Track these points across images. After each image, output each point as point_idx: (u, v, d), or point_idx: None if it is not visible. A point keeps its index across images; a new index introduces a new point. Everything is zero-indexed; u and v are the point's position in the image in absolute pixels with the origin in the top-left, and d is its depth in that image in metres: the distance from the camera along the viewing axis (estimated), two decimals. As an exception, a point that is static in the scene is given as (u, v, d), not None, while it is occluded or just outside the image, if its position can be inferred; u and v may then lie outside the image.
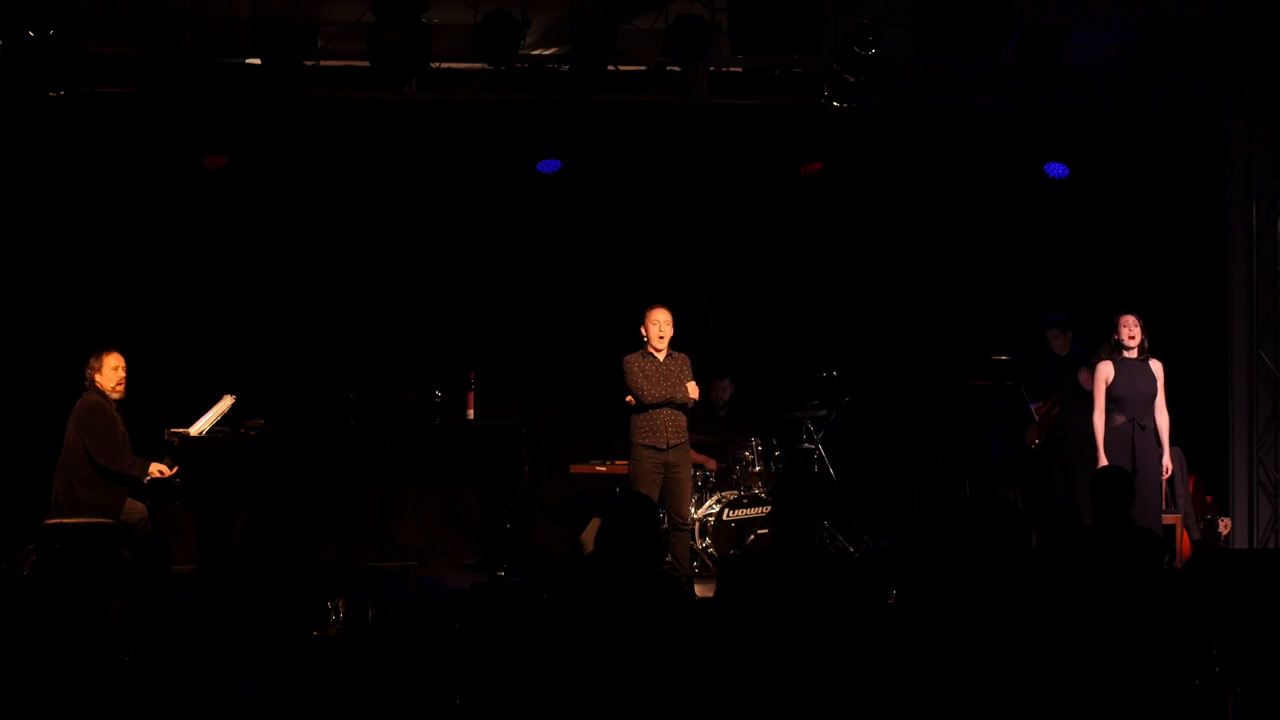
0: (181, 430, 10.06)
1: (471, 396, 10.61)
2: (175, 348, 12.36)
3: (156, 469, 9.97)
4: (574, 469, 12.45)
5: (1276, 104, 10.77)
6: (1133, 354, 10.49)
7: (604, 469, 12.07)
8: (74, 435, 9.99)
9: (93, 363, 10.12)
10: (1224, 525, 12.20)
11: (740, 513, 11.57)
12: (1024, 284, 13.32)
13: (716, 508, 11.60)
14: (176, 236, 12.42)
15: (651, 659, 4.66)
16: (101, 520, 9.78)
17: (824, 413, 12.20)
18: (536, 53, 11.23)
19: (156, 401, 11.60)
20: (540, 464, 12.74)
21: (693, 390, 10.71)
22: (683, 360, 10.77)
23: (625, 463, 11.09)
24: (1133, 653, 6.00)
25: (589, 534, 11.53)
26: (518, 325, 13.12)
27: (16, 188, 11.67)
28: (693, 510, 11.24)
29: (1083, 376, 11.21)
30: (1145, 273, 13.06)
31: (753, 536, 11.32)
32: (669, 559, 10.48)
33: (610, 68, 10.66)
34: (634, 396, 10.65)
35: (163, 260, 12.43)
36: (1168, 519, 11.01)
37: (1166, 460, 10.52)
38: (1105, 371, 10.50)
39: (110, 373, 10.10)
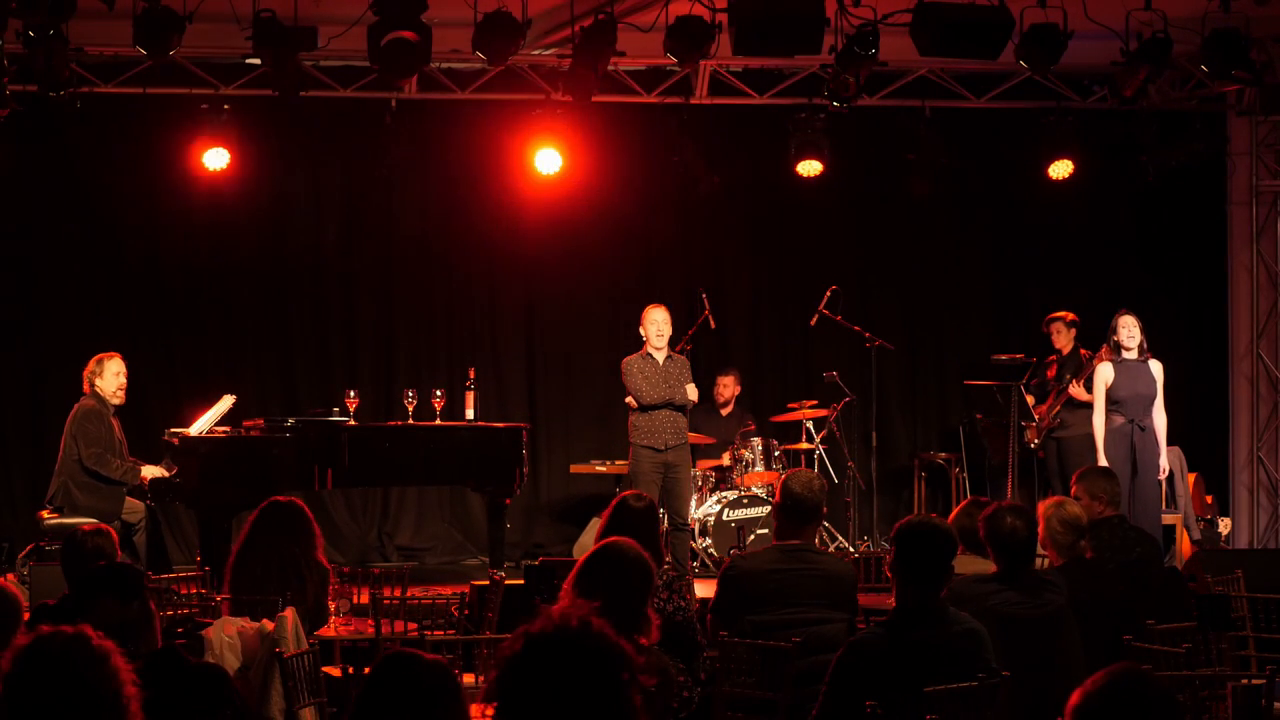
0: (181, 430, 10.05)
1: (471, 396, 10.61)
2: (176, 348, 12.36)
3: (151, 473, 9.92)
4: (574, 469, 12.47)
5: (1277, 104, 10.77)
6: (1132, 354, 10.47)
7: (604, 469, 12.08)
8: (69, 439, 9.95)
9: (93, 366, 10.04)
10: (1224, 525, 12.19)
11: (740, 513, 11.56)
12: (1024, 284, 13.31)
13: (716, 508, 11.59)
14: (176, 236, 12.42)
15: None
16: (101, 522, 9.77)
17: (824, 413, 12.20)
18: (536, 52, 11.23)
19: (157, 401, 11.61)
20: (540, 464, 12.74)
21: (692, 392, 10.72)
22: (682, 362, 10.79)
23: (625, 463, 11.10)
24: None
25: (589, 534, 11.54)
26: (518, 325, 13.11)
27: (16, 188, 11.65)
28: (693, 510, 11.25)
29: (1073, 389, 11.22)
30: (1145, 273, 13.07)
31: (752, 536, 11.31)
32: (669, 559, 10.47)
33: (610, 67, 10.65)
34: (633, 398, 10.67)
35: (163, 260, 12.43)
36: (1168, 519, 11.01)
37: (1163, 460, 10.52)
38: (1105, 373, 10.48)
39: (111, 378, 10.02)
